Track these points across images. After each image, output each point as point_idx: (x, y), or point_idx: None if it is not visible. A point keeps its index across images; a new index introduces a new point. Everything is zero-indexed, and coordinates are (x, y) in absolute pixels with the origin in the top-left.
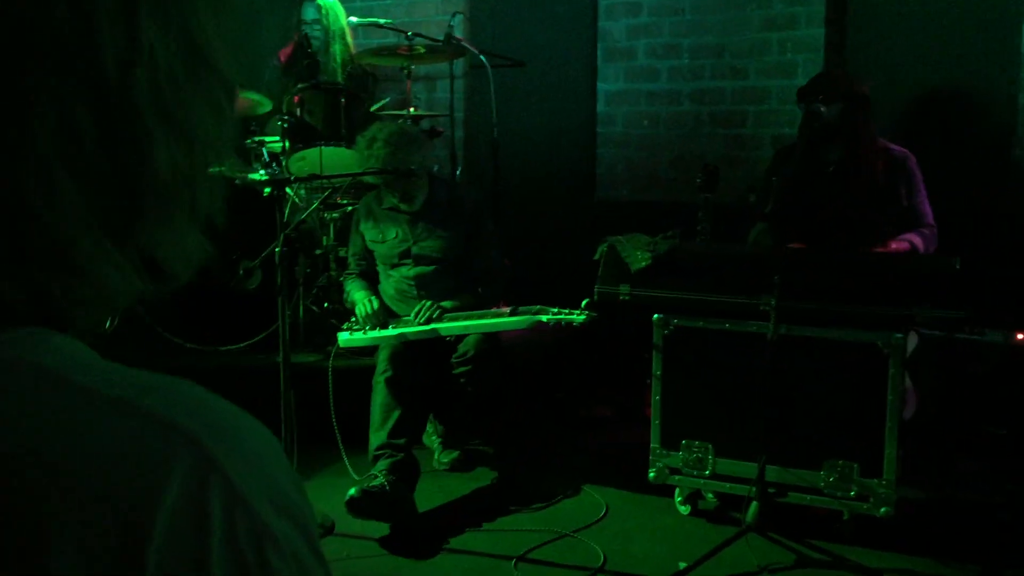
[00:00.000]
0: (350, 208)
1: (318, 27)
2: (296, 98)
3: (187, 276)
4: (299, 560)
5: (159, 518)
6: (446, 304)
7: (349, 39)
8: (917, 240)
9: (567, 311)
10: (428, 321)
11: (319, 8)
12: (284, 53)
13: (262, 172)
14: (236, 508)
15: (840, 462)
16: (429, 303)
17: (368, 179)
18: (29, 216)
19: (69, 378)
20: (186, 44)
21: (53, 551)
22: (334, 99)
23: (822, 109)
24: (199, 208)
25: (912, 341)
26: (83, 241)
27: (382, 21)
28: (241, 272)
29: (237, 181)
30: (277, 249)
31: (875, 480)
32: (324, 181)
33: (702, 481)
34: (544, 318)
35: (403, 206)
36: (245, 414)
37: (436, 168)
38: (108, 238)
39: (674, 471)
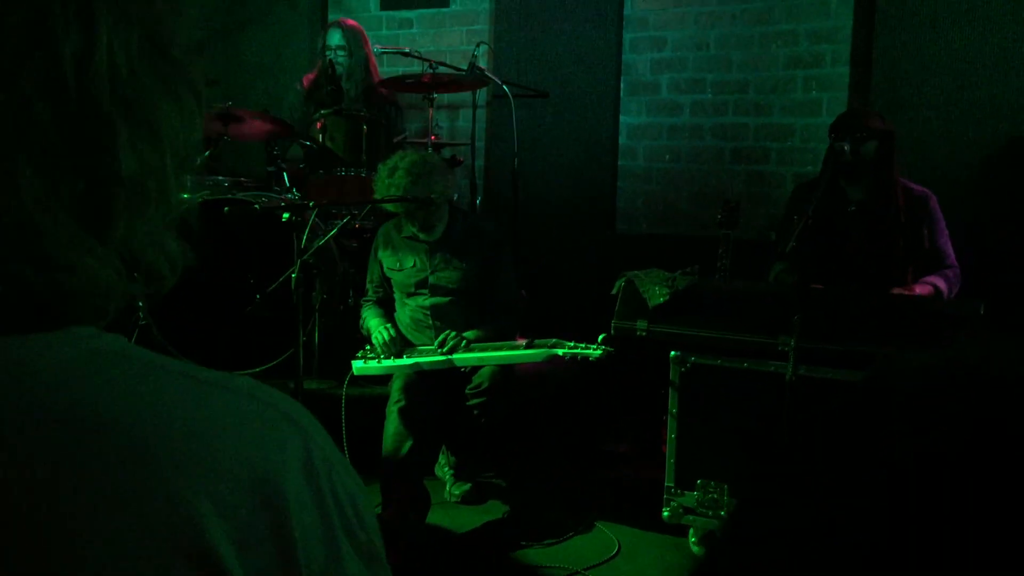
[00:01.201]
0: (369, 235)
1: (343, 52)
2: (319, 123)
3: (173, 279)
4: (371, 516)
5: (289, 481)
6: (470, 334)
7: (373, 66)
8: (941, 283)
9: (583, 345)
10: (452, 351)
11: (345, 34)
12: (308, 78)
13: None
14: (332, 472)
15: None
16: (454, 333)
17: (388, 207)
18: None
19: (165, 364)
20: (147, 42)
21: (201, 513)
22: (356, 126)
23: (846, 147)
24: (172, 204)
25: None
26: (55, 231)
27: (407, 49)
28: (258, 297)
29: (257, 206)
30: (294, 275)
31: None
32: (343, 207)
33: (717, 522)
34: (560, 352)
35: (422, 235)
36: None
37: (456, 197)
38: (85, 231)
39: (688, 511)
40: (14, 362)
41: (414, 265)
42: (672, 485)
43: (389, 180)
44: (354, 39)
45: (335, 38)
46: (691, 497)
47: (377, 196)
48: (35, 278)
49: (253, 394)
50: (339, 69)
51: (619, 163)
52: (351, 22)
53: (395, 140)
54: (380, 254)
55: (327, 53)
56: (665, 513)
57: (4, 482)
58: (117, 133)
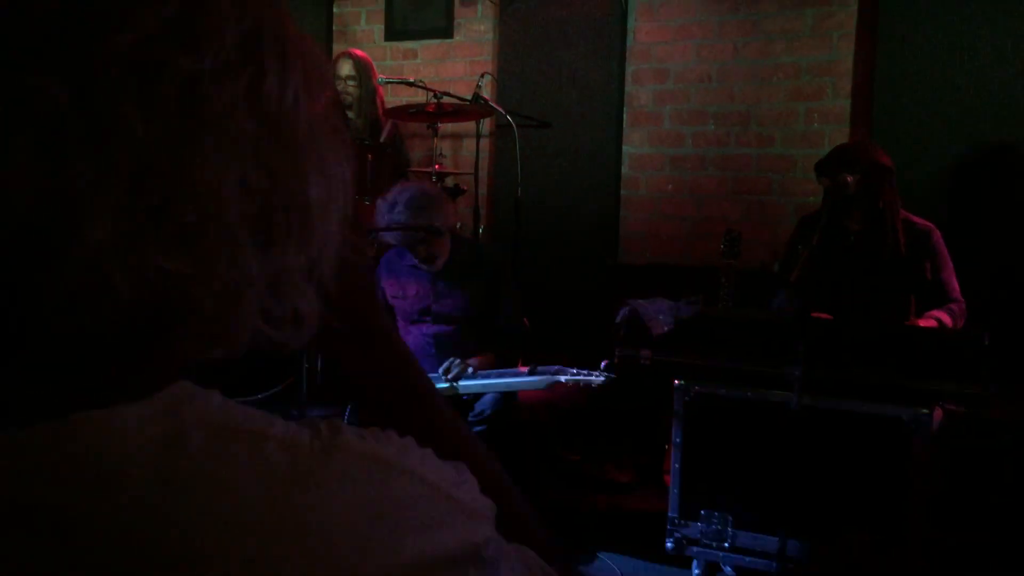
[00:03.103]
0: (373, 263)
1: (353, 83)
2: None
3: (299, 337)
4: None
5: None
6: (473, 362)
7: (381, 99)
8: (945, 318)
9: (586, 372)
10: (456, 379)
11: (355, 64)
12: None
13: None
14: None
15: None
16: (459, 360)
17: (390, 239)
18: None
19: (269, 434)
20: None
21: None
22: (361, 155)
23: (848, 179)
24: (326, 246)
25: (936, 417)
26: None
27: (411, 79)
28: None
29: None
30: None
31: None
32: None
33: (721, 553)
34: (563, 379)
35: (424, 266)
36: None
37: (459, 226)
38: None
39: (692, 542)
40: (84, 451)
41: (416, 293)
42: (675, 515)
43: (389, 215)
44: (364, 70)
45: (345, 68)
46: (695, 528)
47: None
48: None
49: (360, 452)
50: (347, 99)
51: (621, 193)
52: (361, 53)
53: (400, 170)
54: (383, 282)
55: (336, 83)
56: (668, 544)
57: None
58: (305, 155)
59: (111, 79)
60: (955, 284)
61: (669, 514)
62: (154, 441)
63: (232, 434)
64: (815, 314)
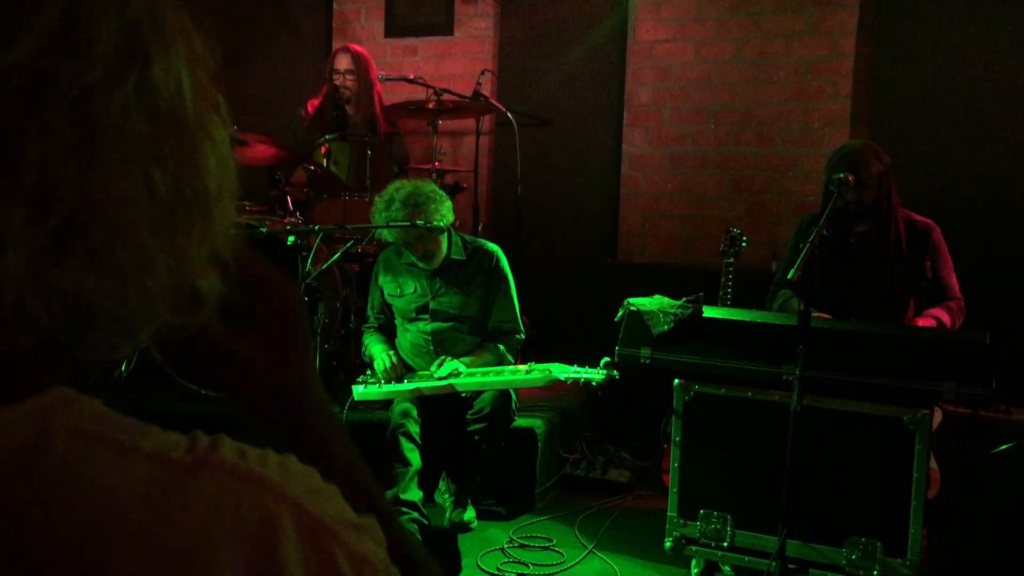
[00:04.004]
0: (371, 260)
1: (352, 76)
2: (323, 148)
3: (202, 313)
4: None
5: (290, 564)
6: (466, 360)
7: (379, 94)
8: (944, 316)
9: (585, 369)
10: (446, 377)
11: (353, 58)
12: (312, 104)
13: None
14: (331, 544)
15: (863, 539)
16: (449, 359)
17: (387, 236)
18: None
19: (132, 447)
20: (200, 71)
21: None
22: (360, 151)
23: (849, 178)
24: (219, 229)
25: (936, 417)
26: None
27: (411, 76)
28: None
29: (263, 229)
30: None
31: (899, 560)
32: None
33: (720, 553)
34: (562, 376)
35: (422, 264)
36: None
37: (458, 224)
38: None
39: (691, 541)
40: None
41: (415, 291)
42: (675, 515)
43: (386, 212)
44: (362, 65)
45: (344, 62)
46: (694, 527)
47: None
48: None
49: (236, 471)
50: (346, 94)
51: (621, 191)
52: (359, 48)
53: (398, 167)
54: (380, 280)
55: (334, 77)
56: (667, 543)
57: None
58: (199, 144)
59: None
60: (954, 282)
61: (668, 513)
62: (20, 443)
63: (97, 443)
64: (818, 315)
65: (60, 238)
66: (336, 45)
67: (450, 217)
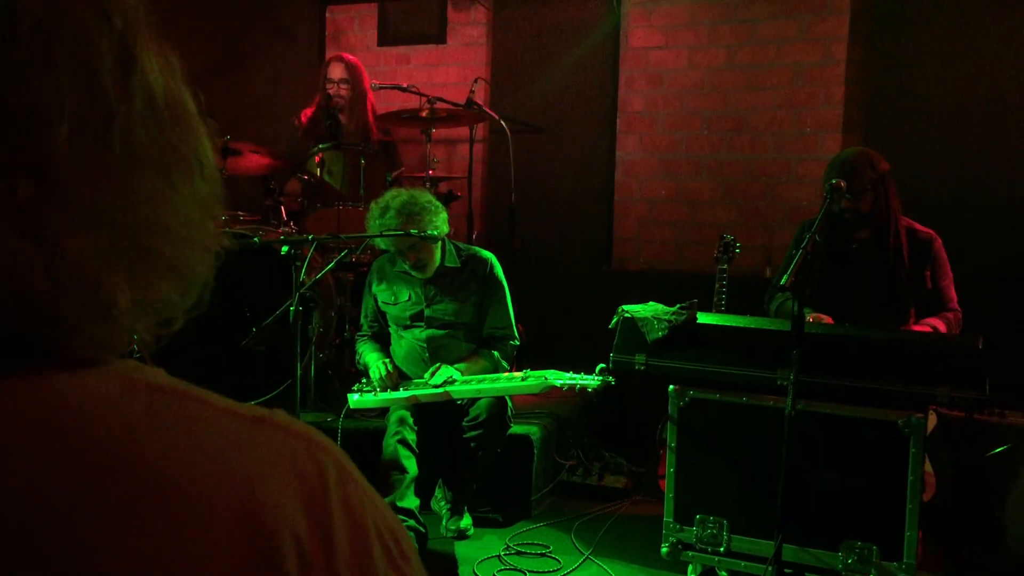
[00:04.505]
0: (365, 269)
1: (347, 86)
2: (316, 158)
3: (184, 314)
4: (415, 554)
5: (332, 507)
6: (460, 367)
7: (371, 103)
8: (940, 325)
9: (580, 376)
10: (442, 385)
11: (348, 67)
12: (305, 113)
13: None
14: (363, 496)
15: (859, 543)
16: (444, 366)
17: (381, 244)
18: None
19: (206, 400)
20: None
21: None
22: (354, 160)
23: (841, 185)
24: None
25: (931, 422)
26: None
27: (404, 85)
28: (254, 330)
29: (256, 239)
30: (292, 308)
31: (895, 563)
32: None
33: (716, 558)
34: (558, 383)
35: (414, 273)
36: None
37: (452, 232)
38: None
39: (687, 547)
40: (51, 398)
41: (409, 299)
42: (671, 520)
43: (380, 220)
44: (355, 74)
45: (338, 71)
46: (690, 533)
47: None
48: (81, 308)
49: (291, 428)
50: (340, 103)
51: (615, 198)
52: (352, 57)
53: (392, 175)
54: (374, 288)
55: (328, 87)
56: (664, 549)
57: (28, 520)
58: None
59: (59, 158)
60: (953, 293)
61: (664, 519)
62: (108, 392)
63: (175, 395)
64: (818, 316)
65: (109, 254)
66: (329, 54)
67: (445, 228)
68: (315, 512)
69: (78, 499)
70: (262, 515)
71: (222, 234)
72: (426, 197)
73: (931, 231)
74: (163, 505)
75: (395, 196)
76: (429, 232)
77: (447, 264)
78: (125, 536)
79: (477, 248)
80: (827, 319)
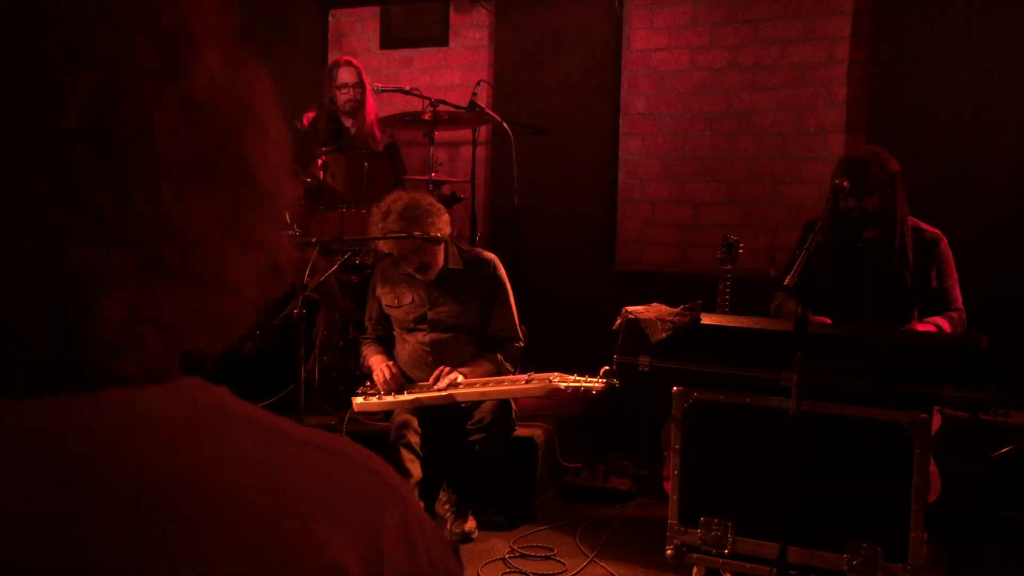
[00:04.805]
0: (369, 272)
1: (358, 90)
2: (320, 160)
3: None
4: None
5: (390, 551)
6: (464, 370)
7: (372, 106)
8: (944, 324)
9: (584, 378)
10: (445, 388)
11: (355, 72)
12: (307, 116)
13: None
14: (431, 546)
15: (864, 544)
16: (448, 370)
17: (384, 247)
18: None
19: (273, 425)
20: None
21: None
22: (357, 163)
23: (844, 184)
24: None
25: (935, 422)
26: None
27: (407, 88)
28: (258, 333)
29: None
30: (296, 310)
31: (900, 564)
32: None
33: (721, 560)
34: (562, 385)
35: (419, 275)
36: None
37: (455, 234)
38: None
39: (692, 549)
40: (114, 419)
41: (412, 301)
42: (675, 522)
43: (383, 224)
44: (363, 78)
45: (351, 76)
46: (695, 535)
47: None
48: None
49: (360, 462)
50: (351, 107)
51: (618, 199)
52: (357, 61)
53: (396, 178)
54: (378, 291)
55: (341, 91)
56: (668, 552)
57: (94, 548)
58: (248, 142)
59: (73, 155)
60: (958, 294)
61: (669, 521)
62: (175, 413)
63: (240, 420)
64: (813, 317)
65: (152, 265)
66: (331, 57)
67: (447, 230)
68: (370, 552)
69: (135, 519)
70: (319, 551)
71: (286, 247)
72: (428, 200)
73: (937, 231)
74: (221, 533)
75: (397, 200)
76: (432, 235)
77: (450, 266)
78: (181, 561)
79: (480, 250)
80: (826, 320)
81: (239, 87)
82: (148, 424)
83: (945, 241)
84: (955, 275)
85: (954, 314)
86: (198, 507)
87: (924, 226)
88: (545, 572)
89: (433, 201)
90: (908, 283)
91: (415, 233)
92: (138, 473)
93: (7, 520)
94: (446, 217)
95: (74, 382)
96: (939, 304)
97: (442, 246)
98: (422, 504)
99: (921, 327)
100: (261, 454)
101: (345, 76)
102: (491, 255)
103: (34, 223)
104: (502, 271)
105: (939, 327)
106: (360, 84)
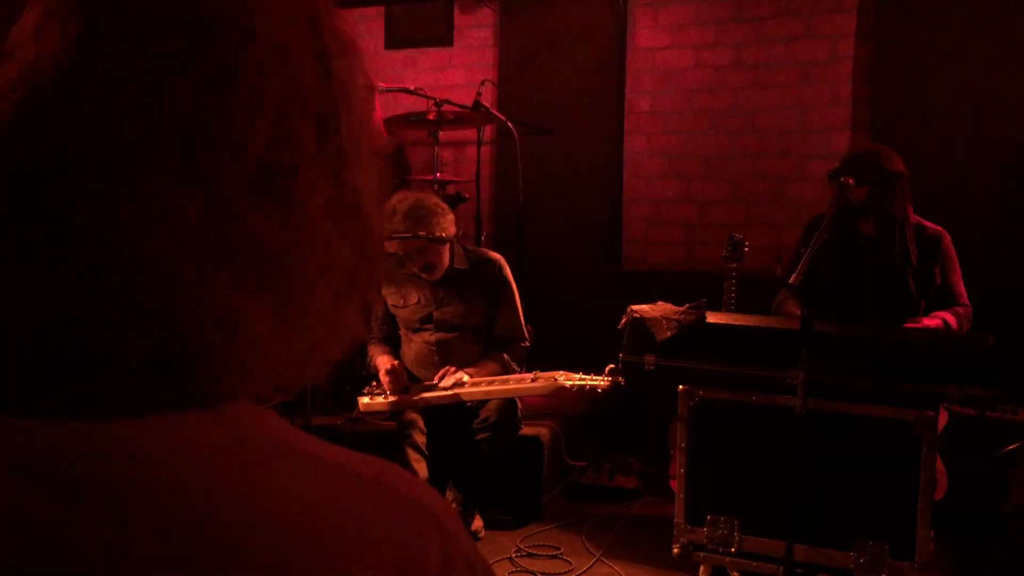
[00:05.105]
0: None
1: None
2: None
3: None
4: None
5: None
6: (470, 369)
7: (377, 105)
8: (950, 318)
9: (590, 376)
10: (451, 387)
11: None
12: None
13: None
14: (470, 561)
15: (870, 543)
16: (453, 369)
17: (389, 248)
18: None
19: (318, 455)
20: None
21: None
22: None
23: (851, 182)
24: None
25: (942, 419)
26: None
27: (412, 88)
28: None
29: None
30: None
31: (907, 562)
32: None
33: (727, 559)
34: (567, 384)
35: (424, 275)
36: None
37: (461, 234)
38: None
39: (698, 547)
40: (152, 446)
41: (418, 301)
42: (682, 521)
43: (388, 224)
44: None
45: None
46: (701, 533)
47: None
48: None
49: (403, 492)
50: None
51: (623, 198)
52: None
53: (401, 178)
54: (384, 291)
55: None
56: (675, 550)
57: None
58: (371, 209)
59: (236, 194)
60: (962, 289)
61: (675, 520)
62: (215, 443)
63: (286, 450)
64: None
65: (279, 310)
66: None
67: (452, 230)
68: None
69: (155, 551)
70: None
71: (376, 284)
72: (432, 200)
73: (940, 228)
74: (243, 571)
75: (402, 200)
76: (437, 235)
77: (455, 266)
78: None
79: (485, 250)
80: None
81: (368, 154)
82: (188, 453)
83: (948, 238)
84: (959, 271)
85: (960, 309)
86: (229, 543)
87: (927, 224)
88: (552, 571)
89: (438, 201)
90: (911, 281)
91: (420, 233)
92: (168, 504)
93: (31, 543)
94: (451, 217)
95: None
96: (945, 300)
97: (447, 246)
98: (467, 534)
99: (928, 321)
100: (302, 487)
101: None
102: (496, 255)
103: (186, 247)
104: (508, 271)
105: (945, 321)
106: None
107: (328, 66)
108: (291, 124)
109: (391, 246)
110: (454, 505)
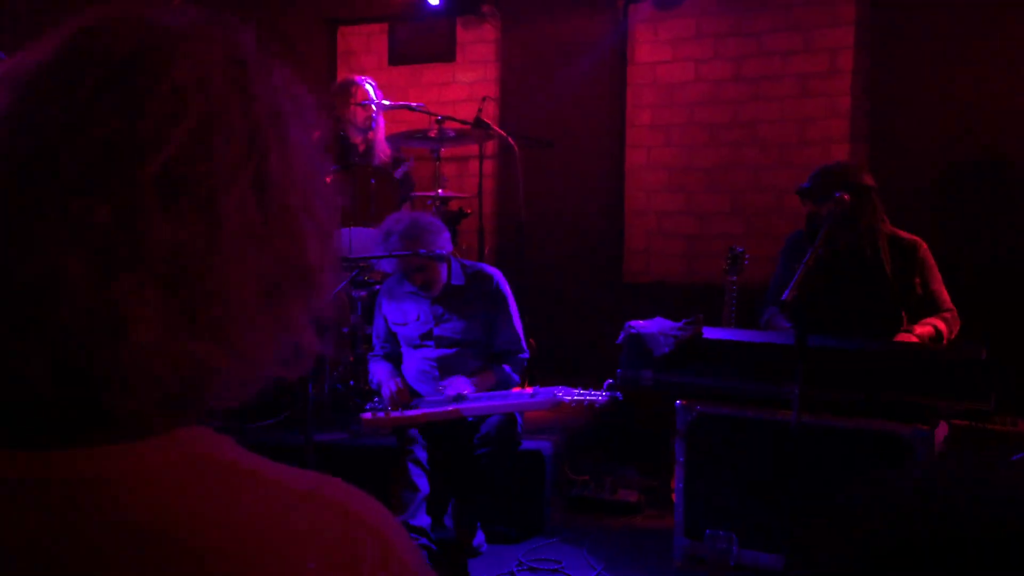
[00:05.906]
0: (377, 288)
1: (374, 107)
2: (327, 178)
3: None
4: None
5: None
6: (473, 380)
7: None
8: (940, 324)
9: (589, 392)
10: (452, 402)
11: (374, 89)
12: (315, 134)
13: None
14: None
15: None
16: (458, 376)
17: (387, 268)
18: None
19: (258, 472)
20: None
21: None
22: (364, 180)
23: (847, 198)
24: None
25: (942, 431)
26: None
27: (413, 104)
28: None
29: None
30: None
31: None
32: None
33: (727, 573)
34: (566, 399)
35: (423, 292)
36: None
37: (464, 248)
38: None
39: (698, 561)
40: (97, 474)
41: (418, 318)
42: (681, 535)
43: (385, 245)
44: (376, 94)
45: (367, 94)
46: (700, 547)
47: (372, 261)
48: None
49: (339, 505)
50: (369, 124)
51: (624, 211)
52: (372, 79)
53: (403, 195)
54: (384, 309)
55: (360, 107)
56: (675, 564)
57: None
58: (303, 225)
59: (143, 200)
60: (945, 295)
61: (675, 533)
62: (162, 467)
63: (228, 468)
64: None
65: (184, 313)
66: (340, 74)
67: (448, 247)
68: None
69: (98, 570)
70: None
71: (311, 334)
72: (427, 219)
73: (916, 237)
74: None
75: (397, 221)
76: (434, 252)
77: (452, 283)
78: None
79: (482, 265)
80: None
81: (306, 176)
82: (140, 478)
83: (924, 246)
84: (939, 277)
85: (947, 314)
86: (177, 562)
87: (902, 233)
88: None
89: (433, 220)
90: (890, 292)
91: (419, 251)
92: (121, 527)
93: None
94: (447, 234)
95: (88, 423)
96: (930, 308)
97: (444, 263)
98: (410, 541)
99: (919, 328)
100: (241, 503)
101: (363, 95)
102: (493, 269)
103: (84, 242)
104: (505, 285)
105: (936, 328)
106: (377, 101)
107: (252, 94)
108: (208, 140)
109: (390, 266)
110: (456, 520)
